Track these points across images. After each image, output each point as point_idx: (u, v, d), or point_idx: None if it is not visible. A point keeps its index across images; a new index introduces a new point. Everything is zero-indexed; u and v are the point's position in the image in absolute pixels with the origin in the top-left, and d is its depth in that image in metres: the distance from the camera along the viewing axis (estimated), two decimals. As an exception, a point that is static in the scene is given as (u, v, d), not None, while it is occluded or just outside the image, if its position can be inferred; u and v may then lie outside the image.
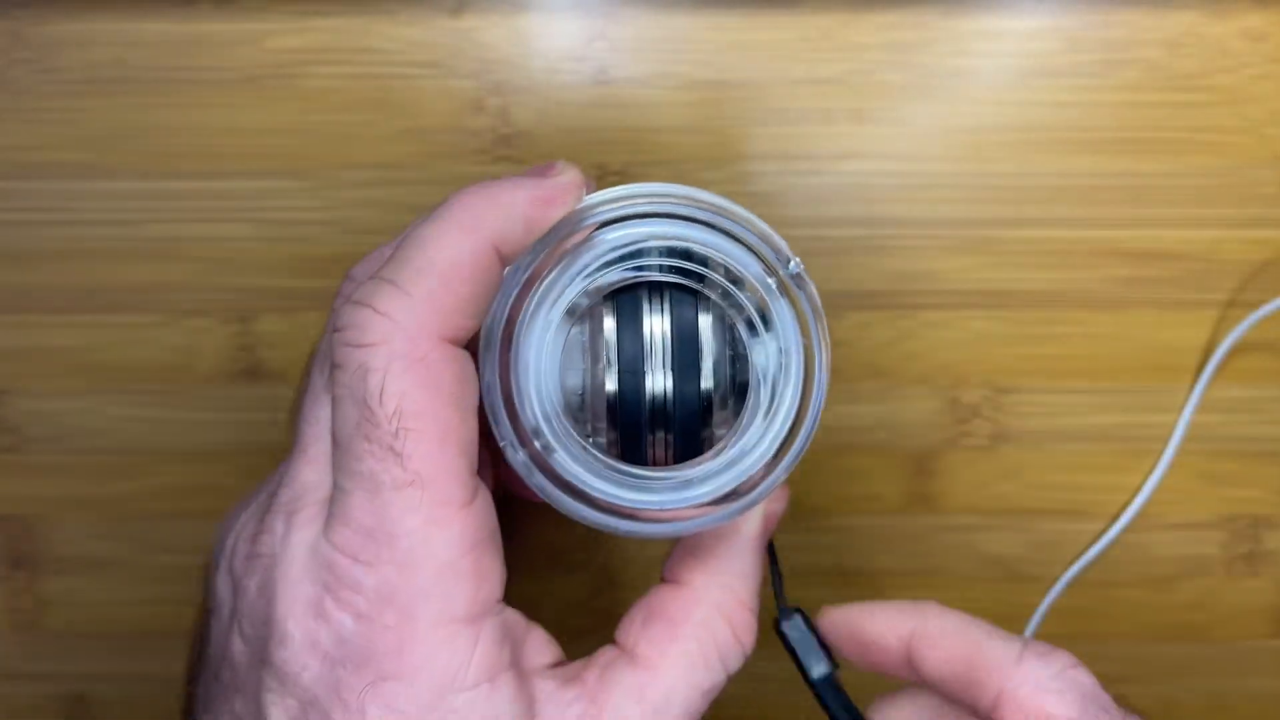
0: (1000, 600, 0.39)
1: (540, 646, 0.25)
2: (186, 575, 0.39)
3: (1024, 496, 0.38)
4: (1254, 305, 0.36)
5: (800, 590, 0.39)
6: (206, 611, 0.26)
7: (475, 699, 0.23)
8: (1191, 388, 0.37)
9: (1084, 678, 0.25)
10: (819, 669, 0.27)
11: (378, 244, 0.36)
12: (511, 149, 0.36)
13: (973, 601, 0.39)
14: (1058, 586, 0.38)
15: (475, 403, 0.24)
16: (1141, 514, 0.38)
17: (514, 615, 0.24)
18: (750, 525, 0.26)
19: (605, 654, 0.25)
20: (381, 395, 0.22)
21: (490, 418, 0.24)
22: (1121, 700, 0.26)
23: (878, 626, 0.27)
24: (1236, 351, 0.37)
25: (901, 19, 0.35)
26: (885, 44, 0.35)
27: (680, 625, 0.25)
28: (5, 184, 0.36)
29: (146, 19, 0.36)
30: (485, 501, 0.24)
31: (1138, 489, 0.38)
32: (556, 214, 0.25)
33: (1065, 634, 0.39)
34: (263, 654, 0.23)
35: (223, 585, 0.25)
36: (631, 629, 0.26)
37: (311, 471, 0.24)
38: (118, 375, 0.37)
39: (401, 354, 0.22)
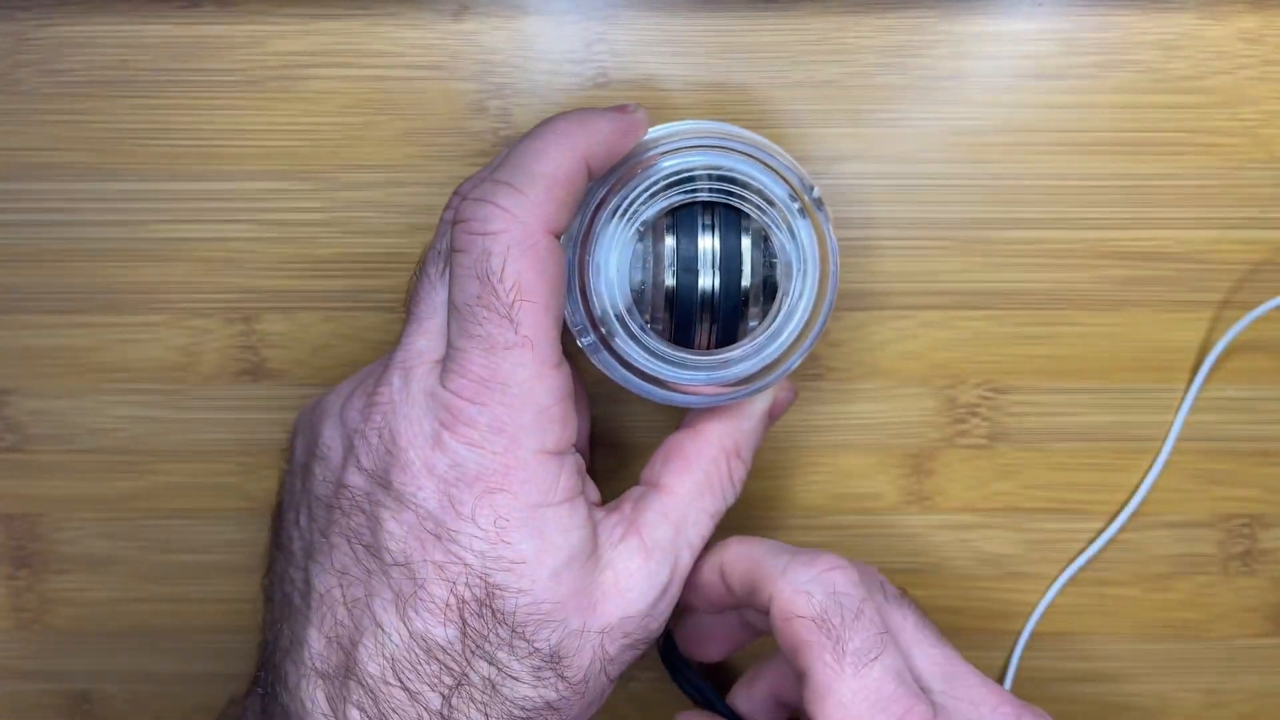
0: (997, 599, 0.39)
1: (592, 490, 0.31)
2: (189, 573, 0.39)
3: (1021, 496, 0.38)
4: (1250, 306, 0.36)
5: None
6: (301, 465, 0.31)
7: (559, 513, 0.29)
8: (1187, 388, 0.37)
9: (838, 578, 0.30)
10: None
11: (380, 245, 0.37)
12: (512, 151, 0.36)
13: (970, 600, 0.39)
14: (1055, 585, 0.38)
15: (564, 285, 0.29)
16: (1138, 513, 0.38)
17: (580, 459, 0.30)
18: (761, 401, 0.32)
19: (634, 491, 0.31)
20: (503, 272, 0.27)
21: (566, 307, 0.30)
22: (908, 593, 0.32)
23: (704, 571, 0.32)
24: (1232, 351, 0.37)
25: (899, 21, 0.35)
26: (883, 46, 0.35)
27: (694, 460, 0.31)
28: (9, 185, 0.37)
29: (150, 21, 0.36)
30: (568, 367, 0.29)
31: (1134, 488, 0.38)
32: (631, 142, 0.30)
33: (1062, 632, 0.39)
34: (383, 480, 0.28)
35: (332, 435, 0.30)
36: (654, 467, 0.32)
37: (425, 340, 0.29)
38: (120, 375, 0.38)
39: (519, 241, 0.27)
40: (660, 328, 0.32)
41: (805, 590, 0.29)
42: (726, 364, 0.31)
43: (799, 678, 0.30)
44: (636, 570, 0.30)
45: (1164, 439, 0.38)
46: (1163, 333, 0.37)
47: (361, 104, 0.36)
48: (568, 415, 0.29)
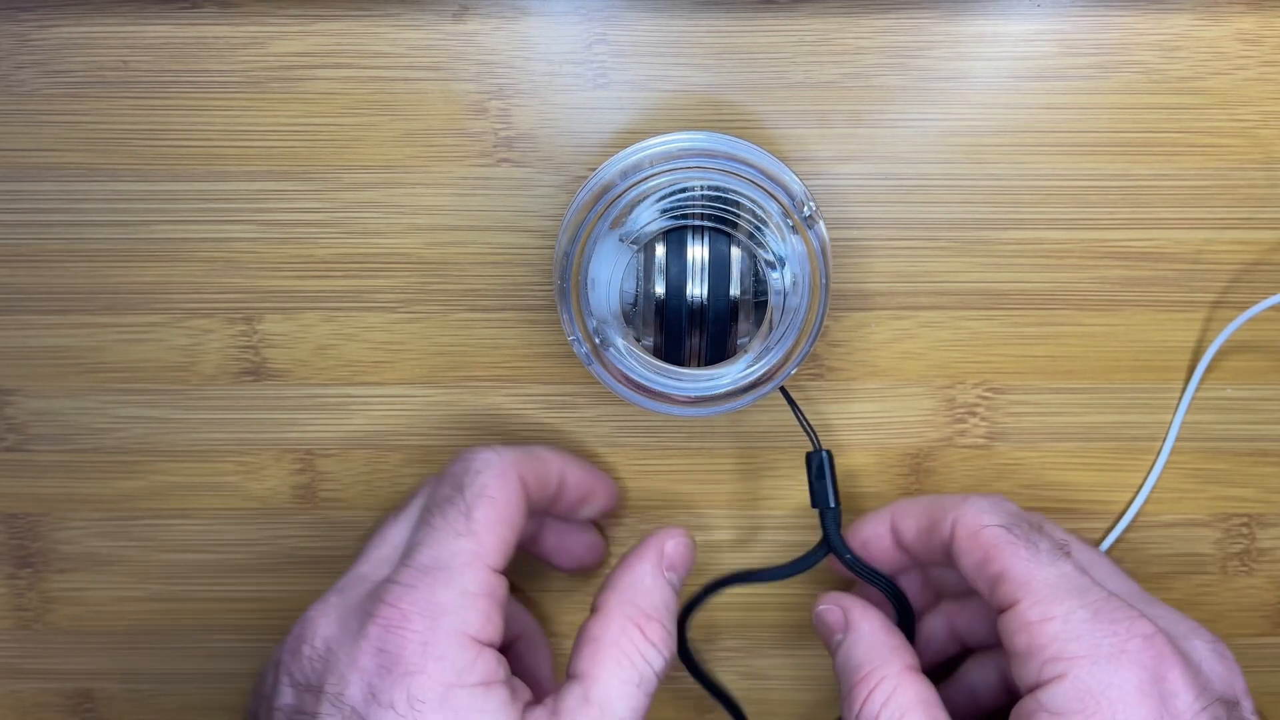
0: (996, 598, 0.39)
1: (523, 689, 0.31)
2: (190, 572, 0.39)
3: (1019, 495, 0.38)
4: (1247, 305, 0.36)
5: (801, 585, 0.40)
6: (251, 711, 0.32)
7: (474, 695, 0.29)
8: (1185, 387, 0.37)
9: (1011, 505, 0.33)
10: (831, 503, 0.35)
11: (380, 245, 0.37)
12: (513, 151, 0.36)
13: (969, 599, 0.39)
14: (1053, 584, 0.38)
15: (519, 536, 0.32)
16: (1136, 513, 0.38)
17: (505, 663, 0.31)
18: (648, 558, 0.33)
19: (561, 686, 0.31)
20: (476, 478, 0.31)
21: (563, 319, 0.32)
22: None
23: (867, 530, 0.35)
24: (1230, 351, 0.37)
25: (898, 23, 0.35)
26: (882, 48, 0.36)
27: (602, 641, 0.31)
28: (10, 185, 0.37)
29: (150, 22, 0.36)
30: (505, 587, 0.31)
31: (1133, 488, 0.38)
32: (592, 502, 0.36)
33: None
34: (316, 689, 0.29)
35: (265, 679, 0.31)
36: (572, 658, 0.32)
37: (367, 567, 0.32)
38: (121, 375, 0.38)
39: (496, 468, 0.32)
40: (653, 341, 0.33)
41: (987, 509, 0.32)
42: (714, 377, 0.32)
43: (992, 585, 0.31)
44: None
45: (1162, 439, 0.38)
46: (1161, 332, 0.37)
47: (362, 105, 0.36)
48: (491, 614, 0.30)
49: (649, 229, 0.32)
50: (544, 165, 0.36)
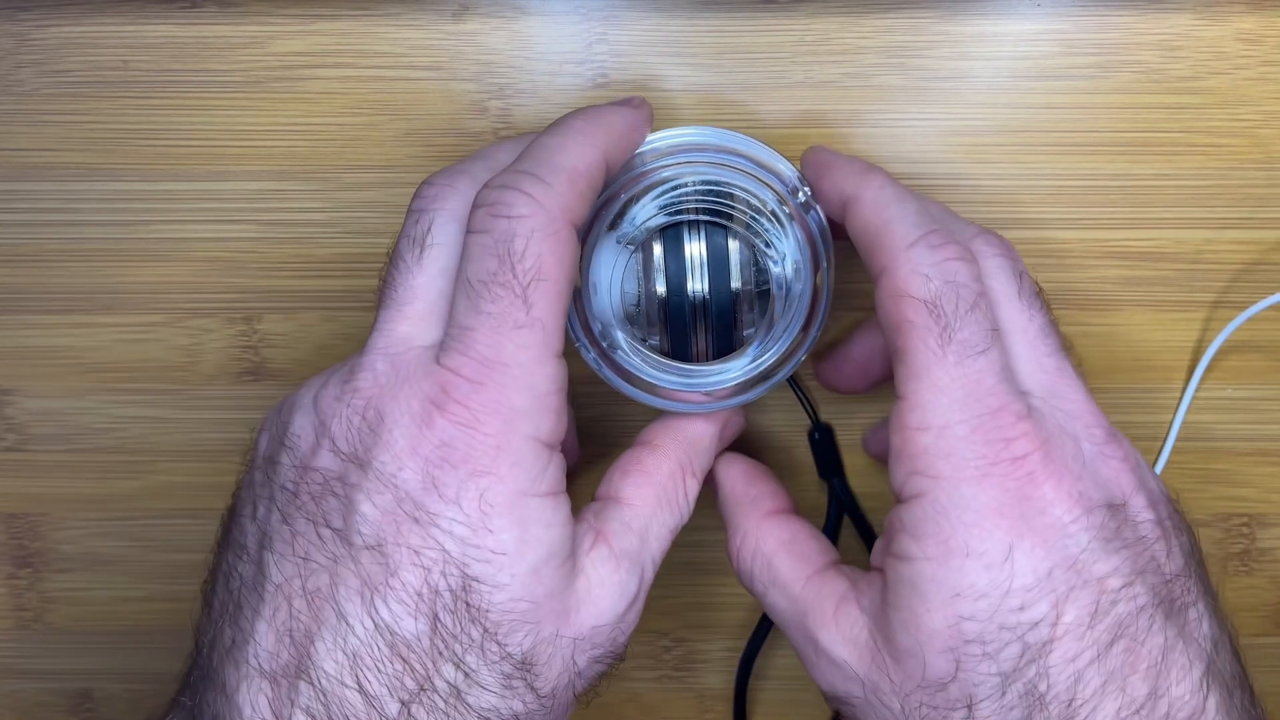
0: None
1: (568, 498, 0.30)
2: (190, 573, 0.39)
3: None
4: (1247, 305, 0.36)
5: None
6: (265, 458, 0.29)
7: (544, 506, 0.28)
8: (1185, 387, 0.37)
9: (961, 269, 0.28)
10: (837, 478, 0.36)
11: (380, 245, 0.37)
12: (513, 151, 0.36)
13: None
14: (1053, 584, 0.38)
15: (575, 280, 0.29)
16: (1136, 512, 0.38)
17: (564, 459, 0.29)
18: (713, 423, 0.33)
19: (592, 506, 0.31)
20: (524, 254, 0.27)
21: (569, 326, 0.31)
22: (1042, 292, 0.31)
23: (833, 177, 0.31)
24: (1230, 351, 0.37)
25: (898, 22, 0.35)
26: (882, 47, 0.36)
27: (653, 474, 0.31)
28: (10, 185, 0.37)
29: (150, 22, 0.36)
30: (565, 362, 0.28)
31: (1133, 488, 0.38)
32: (640, 137, 0.31)
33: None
34: (362, 460, 0.27)
35: (303, 424, 0.29)
36: (611, 481, 0.31)
37: (407, 326, 0.29)
38: (121, 375, 0.38)
39: (543, 227, 0.27)
40: (656, 342, 0.33)
41: (923, 273, 0.28)
42: (723, 371, 0.32)
43: (895, 356, 0.29)
44: (608, 578, 0.29)
45: (1163, 439, 0.38)
46: (1161, 332, 0.37)
47: (362, 104, 0.36)
48: (562, 409, 0.28)
49: (645, 228, 0.32)
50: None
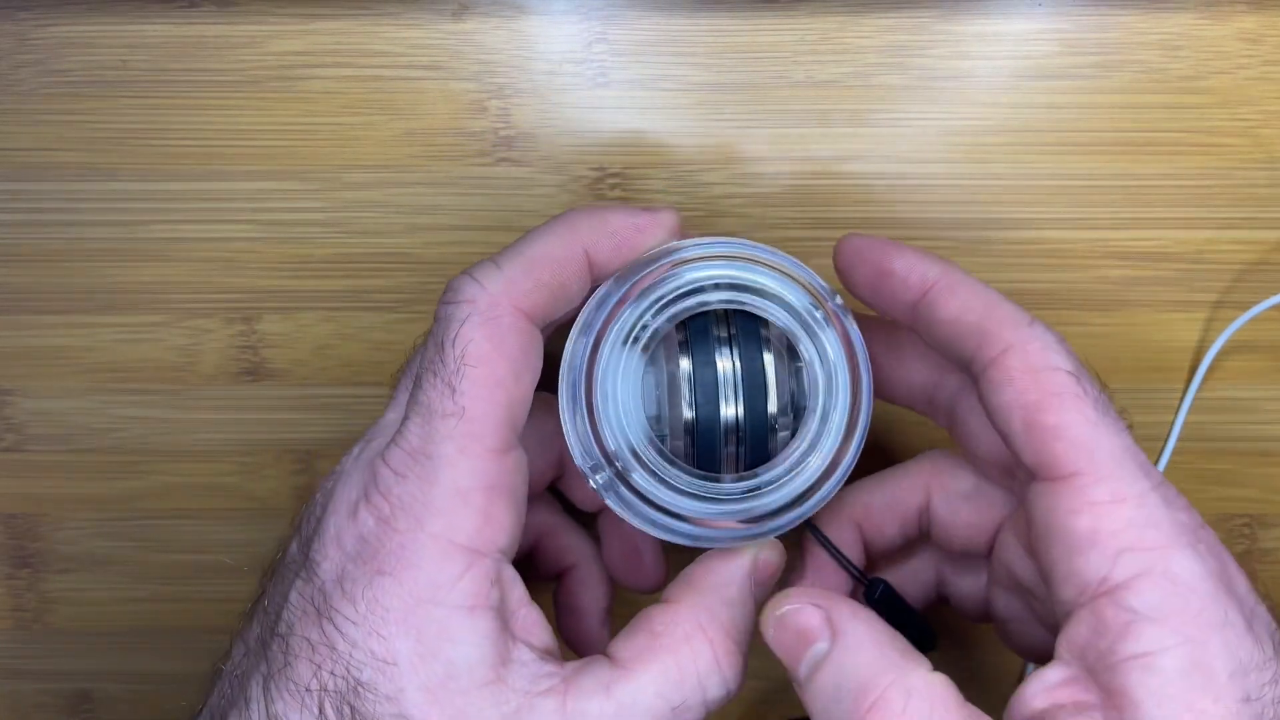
0: (997, 598, 0.39)
1: (533, 627, 0.27)
2: (189, 573, 0.39)
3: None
4: (1248, 305, 0.36)
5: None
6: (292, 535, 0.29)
7: (450, 618, 0.25)
8: (1186, 387, 0.37)
9: (1074, 353, 0.27)
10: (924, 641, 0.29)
11: (380, 245, 0.37)
12: (512, 151, 0.36)
13: (970, 600, 0.39)
14: (1054, 585, 0.38)
15: (534, 376, 0.27)
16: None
17: (515, 580, 0.26)
18: (741, 562, 0.28)
19: (597, 663, 0.26)
20: (455, 338, 0.26)
21: (574, 445, 0.27)
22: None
23: (906, 261, 0.28)
24: (1231, 351, 0.37)
25: (899, 22, 0.35)
26: (883, 46, 0.35)
27: (661, 637, 0.26)
28: (8, 185, 0.37)
29: (149, 21, 0.36)
30: (518, 463, 0.26)
31: (1134, 488, 0.38)
32: (644, 241, 0.28)
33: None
34: (306, 548, 0.26)
35: (306, 510, 0.28)
36: (619, 640, 0.27)
37: (394, 414, 0.28)
38: (120, 375, 0.38)
39: (481, 312, 0.26)
40: (680, 456, 0.28)
41: (1056, 348, 0.26)
42: (757, 492, 0.28)
43: (1042, 435, 0.25)
44: None
45: (1164, 439, 0.38)
46: (1162, 332, 0.37)
47: (361, 104, 0.36)
48: (493, 510, 0.25)
49: (664, 319, 0.28)
50: (544, 165, 0.36)
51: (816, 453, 0.28)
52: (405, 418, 0.26)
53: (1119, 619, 0.24)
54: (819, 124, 0.36)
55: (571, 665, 0.26)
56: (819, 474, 0.27)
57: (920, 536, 0.31)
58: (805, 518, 0.28)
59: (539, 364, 0.27)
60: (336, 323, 0.37)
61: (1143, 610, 0.24)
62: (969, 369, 0.28)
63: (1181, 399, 0.37)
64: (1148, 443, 0.38)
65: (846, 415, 0.28)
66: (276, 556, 0.29)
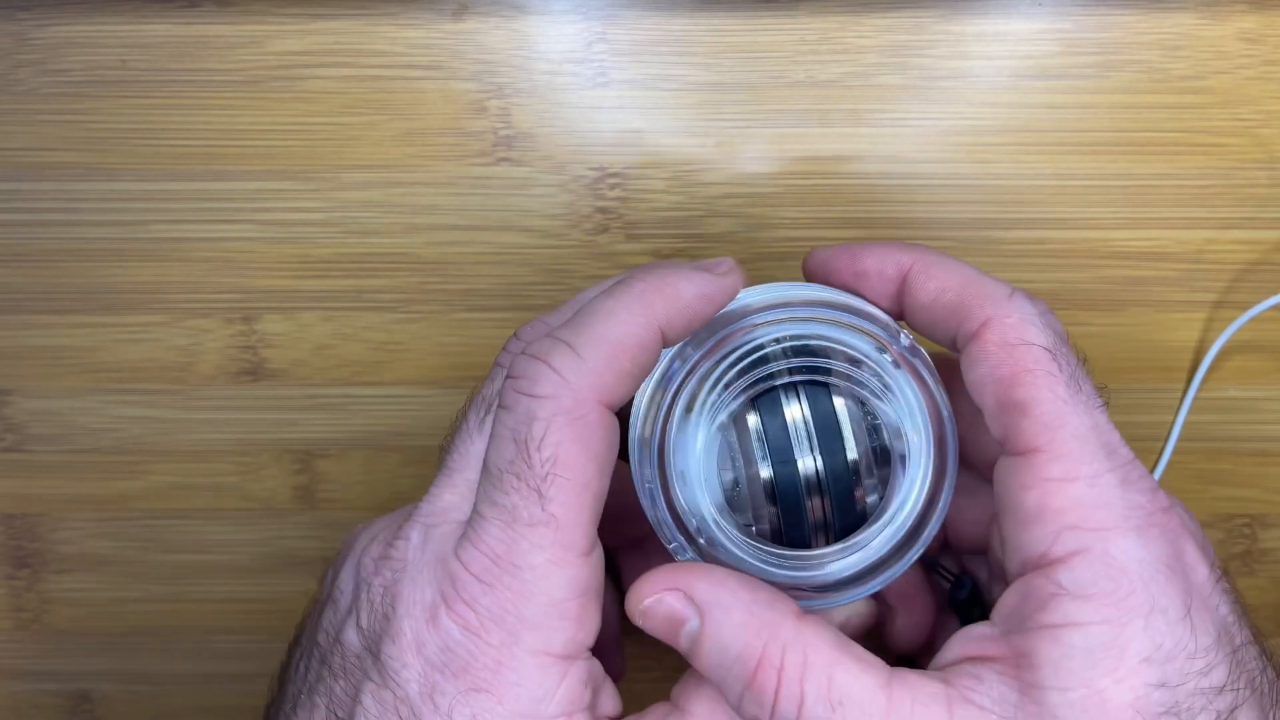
0: (997, 599, 0.39)
1: (609, 699, 0.27)
2: (189, 573, 0.39)
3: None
4: (1249, 305, 0.36)
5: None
6: (322, 601, 0.28)
7: None
8: (1187, 387, 0.37)
9: (1058, 324, 0.27)
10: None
11: (380, 245, 0.37)
12: (512, 151, 0.36)
13: (970, 600, 0.39)
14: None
15: (612, 465, 0.26)
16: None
17: (597, 665, 0.26)
18: (835, 616, 0.28)
19: (658, 708, 0.27)
20: (542, 442, 0.24)
21: (657, 529, 0.27)
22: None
23: (876, 256, 0.28)
24: (1232, 351, 0.37)
25: (899, 22, 0.35)
26: (883, 46, 0.35)
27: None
28: (8, 185, 0.37)
29: (149, 21, 0.36)
30: (599, 556, 0.26)
31: (1134, 488, 0.38)
32: (716, 309, 0.27)
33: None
34: (374, 648, 0.25)
35: (347, 579, 0.27)
36: (687, 684, 0.27)
37: (454, 495, 0.27)
38: (120, 375, 0.38)
39: (566, 410, 0.25)
40: (765, 526, 0.27)
41: (1035, 322, 0.26)
42: (849, 552, 0.27)
43: (1014, 410, 0.26)
44: None
45: (1164, 439, 0.38)
46: (1162, 332, 0.37)
47: (361, 104, 0.36)
48: (584, 614, 0.25)
49: (733, 401, 0.27)
50: (544, 164, 0.36)
51: (907, 499, 0.27)
52: (480, 515, 0.25)
53: (1045, 590, 0.25)
54: (819, 124, 0.36)
55: None
56: (907, 527, 0.27)
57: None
58: (897, 576, 0.27)
59: (616, 450, 0.26)
60: (336, 323, 0.37)
61: (1069, 586, 0.24)
62: (956, 349, 0.28)
63: (1181, 399, 0.37)
64: (1148, 442, 0.38)
65: (931, 459, 0.27)
66: (309, 627, 0.29)
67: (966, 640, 0.26)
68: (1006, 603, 0.26)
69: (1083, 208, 0.36)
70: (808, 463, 0.27)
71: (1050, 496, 0.25)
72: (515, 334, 0.29)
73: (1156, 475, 0.38)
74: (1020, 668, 0.25)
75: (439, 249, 0.37)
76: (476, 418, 0.28)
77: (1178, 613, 0.24)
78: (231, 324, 0.37)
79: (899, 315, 0.29)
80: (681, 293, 0.26)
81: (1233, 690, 0.24)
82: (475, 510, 0.25)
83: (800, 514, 0.27)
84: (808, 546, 0.27)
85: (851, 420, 0.27)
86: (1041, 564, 0.25)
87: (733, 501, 0.27)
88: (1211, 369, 0.37)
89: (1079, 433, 0.25)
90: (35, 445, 0.38)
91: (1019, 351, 0.26)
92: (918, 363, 0.27)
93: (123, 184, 0.36)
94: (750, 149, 0.36)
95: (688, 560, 0.26)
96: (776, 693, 0.25)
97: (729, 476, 0.27)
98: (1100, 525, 0.25)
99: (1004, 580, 0.27)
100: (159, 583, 0.39)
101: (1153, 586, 0.24)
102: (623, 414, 0.27)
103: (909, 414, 0.27)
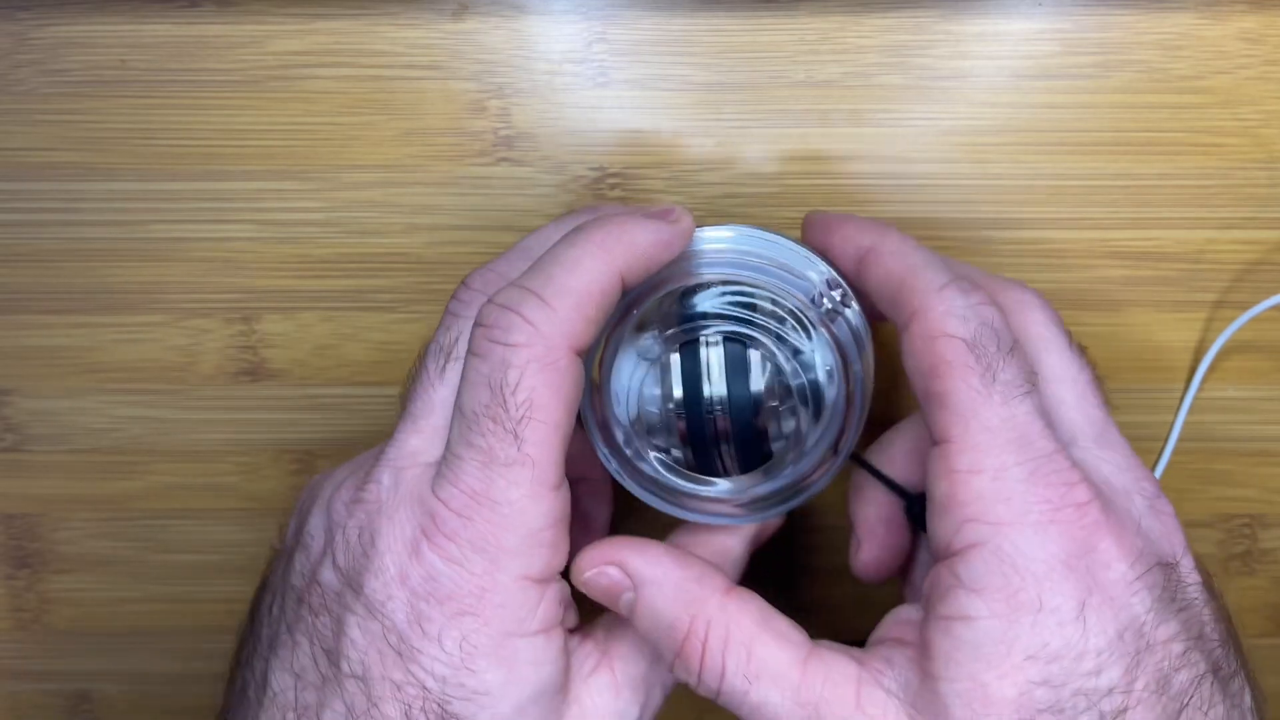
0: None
1: (572, 614, 0.29)
2: (188, 573, 0.39)
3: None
4: (1249, 305, 0.36)
5: (802, 588, 0.39)
6: (289, 549, 0.29)
7: (533, 645, 0.27)
8: (1187, 387, 0.37)
9: (990, 313, 0.27)
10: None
11: (380, 245, 0.37)
12: (512, 151, 0.36)
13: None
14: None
15: (578, 405, 0.27)
16: (1138, 513, 0.38)
17: (566, 586, 0.28)
18: (745, 529, 0.31)
19: (606, 619, 0.29)
20: (517, 387, 0.26)
21: (589, 433, 0.30)
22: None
23: (844, 232, 0.30)
24: (1232, 351, 0.37)
25: (899, 21, 0.35)
26: (883, 46, 0.35)
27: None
28: (8, 185, 0.37)
29: (149, 21, 0.36)
30: (567, 488, 0.27)
31: (1134, 488, 0.38)
32: (671, 255, 0.29)
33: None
34: (355, 582, 0.27)
35: (317, 525, 0.29)
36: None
37: (419, 440, 0.28)
38: (120, 375, 0.38)
39: (539, 358, 0.26)
40: (682, 451, 0.31)
41: (958, 314, 0.27)
42: (750, 485, 0.30)
43: (932, 401, 0.27)
44: (604, 707, 0.28)
45: (1164, 439, 0.38)
46: (1162, 332, 0.37)
47: (361, 104, 0.36)
48: (558, 541, 0.27)
49: (665, 337, 0.31)
50: (544, 164, 0.36)
51: (807, 448, 0.30)
52: (457, 456, 0.26)
53: (945, 581, 0.26)
54: (819, 124, 0.36)
55: (601, 630, 0.29)
56: (810, 467, 0.30)
57: None
58: (796, 506, 0.30)
59: (582, 391, 0.28)
60: (336, 323, 0.37)
61: (965, 579, 0.25)
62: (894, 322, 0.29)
63: (1181, 399, 0.37)
64: (1148, 442, 0.38)
65: (840, 415, 0.29)
66: (276, 576, 0.29)
67: (895, 621, 0.28)
68: (923, 589, 0.27)
69: (1082, 208, 0.36)
70: (714, 392, 0.30)
71: (957, 488, 0.26)
72: (464, 282, 0.30)
73: (1156, 475, 0.38)
74: (923, 656, 0.26)
75: (439, 249, 0.37)
76: (436, 366, 0.29)
77: (1070, 611, 0.25)
78: (231, 324, 0.37)
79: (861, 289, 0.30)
80: (639, 241, 0.28)
81: (1124, 692, 0.25)
82: (450, 451, 0.27)
83: (707, 443, 0.30)
84: (715, 469, 0.31)
85: (763, 366, 0.30)
86: (946, 554, 0.26)
87: (654, 427, 0.31)
88: (1211, 369, 0.37)
89: (989, 425, 0.26)
90: (35, 445, 0.38)
91: (938, 344, 0.27)
92: (836, 323, 0.29)
93: (122, 184, 0.36)
94: (750, 149, 0.36)
95: (613, 467, 0.30)
96: (701, 663, 0.27)
97: (655, 405, 0.31)
98: (998, 519, 0.25)
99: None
100: (159, 583, 0.39)
101: (1045, 583, 0.25)
102: None
103: (823, 366, 0.30)
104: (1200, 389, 0.37)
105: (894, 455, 0.32)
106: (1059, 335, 0.30)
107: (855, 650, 0.27)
